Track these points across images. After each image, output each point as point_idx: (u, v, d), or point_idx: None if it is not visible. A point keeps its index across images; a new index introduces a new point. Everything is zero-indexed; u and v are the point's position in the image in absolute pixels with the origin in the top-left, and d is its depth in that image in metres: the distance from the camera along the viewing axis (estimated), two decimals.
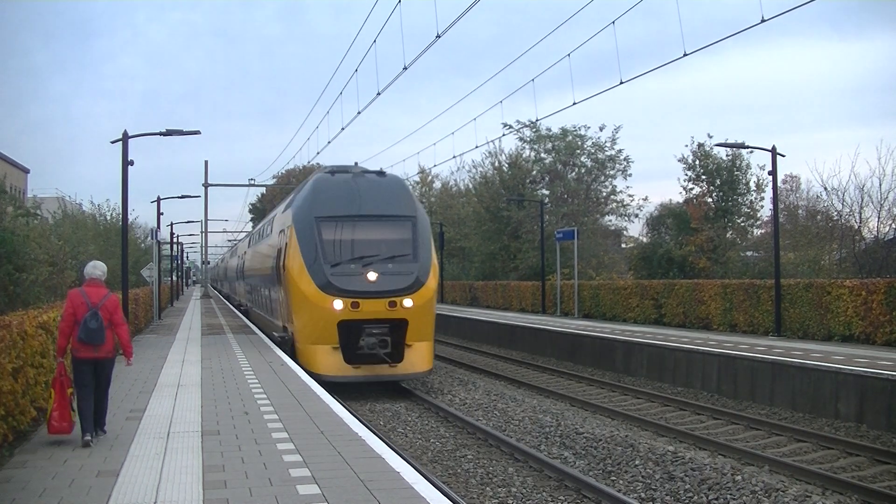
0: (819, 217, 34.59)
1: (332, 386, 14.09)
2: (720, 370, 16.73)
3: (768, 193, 32.31)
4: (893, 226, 29.73)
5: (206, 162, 54.73)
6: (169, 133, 20.77)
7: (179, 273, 63.43)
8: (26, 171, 63.25)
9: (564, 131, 44.29)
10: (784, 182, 43.19)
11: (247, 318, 30.73)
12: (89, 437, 8.32)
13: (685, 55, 17.31)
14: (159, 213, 41.38)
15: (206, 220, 57.60)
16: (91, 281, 8.77)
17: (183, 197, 41.33)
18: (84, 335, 8.37)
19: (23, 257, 15.95)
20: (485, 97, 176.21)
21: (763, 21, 14.81)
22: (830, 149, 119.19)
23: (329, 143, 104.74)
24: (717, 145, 31.35)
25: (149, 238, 41.94)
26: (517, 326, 27.24)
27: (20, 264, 15.76)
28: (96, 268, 8.87)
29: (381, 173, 18.90)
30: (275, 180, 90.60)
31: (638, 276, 36.12)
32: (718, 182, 34.59)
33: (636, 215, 44.09)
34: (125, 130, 19.13)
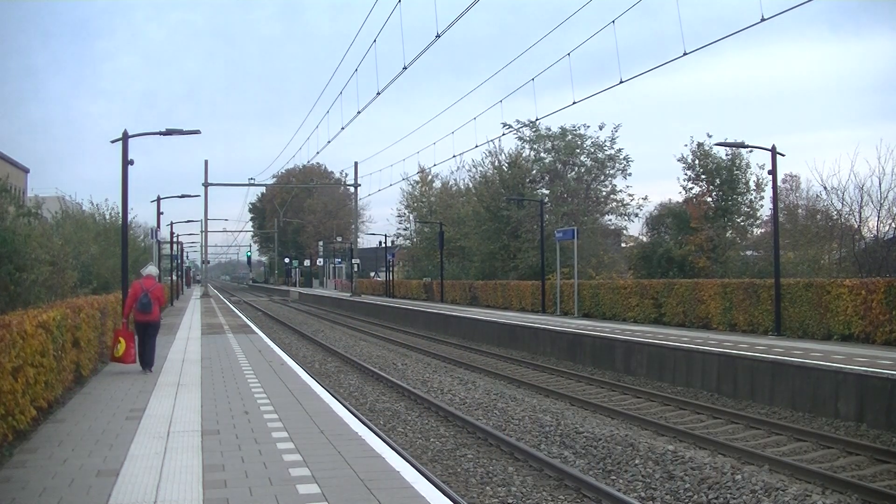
0: (819, 216, 34.60)
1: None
2: (720, 370, 16.73)
3: (768, 193, 32.40)
4: (893, 225, 29.75)
5: (205, 161, 55.01)
6: (169, 133, 20.75)
7: (179, 272, 63.39)
8: (26, 170, 63.27)
9: (564, 131, 44.30)
10: (784, 181, 43.24)
11: None
12: (144, 370, 14.10)
13: (685, 54, 17.37)
14: (159, 213, 41.45)
15: (206, 219, 57.82)
16: (147, 277, 14.37)
17: (183, 196, 41.39)
18: (140, 307, 14.00)
19: (24, 257, 15.91)
20: (484, 96, 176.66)
21: (763, 20, 14.86)
22: (830, 148, 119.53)
23: (329, 142, 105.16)
24: (717, 144, 31.44)
25: (149, 237, 41.98)
26: (517, 326, 27.24)
27: (21, 264, 15.72)
28: (149, 268, 14.93)
29: None
30: (275, 180, 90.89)
31: (638, 276, 36.14)
32: (718, 181, 34.61)
33: (636, 215, 44.17)
34: (125, 130, 19.08)
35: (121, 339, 14.12)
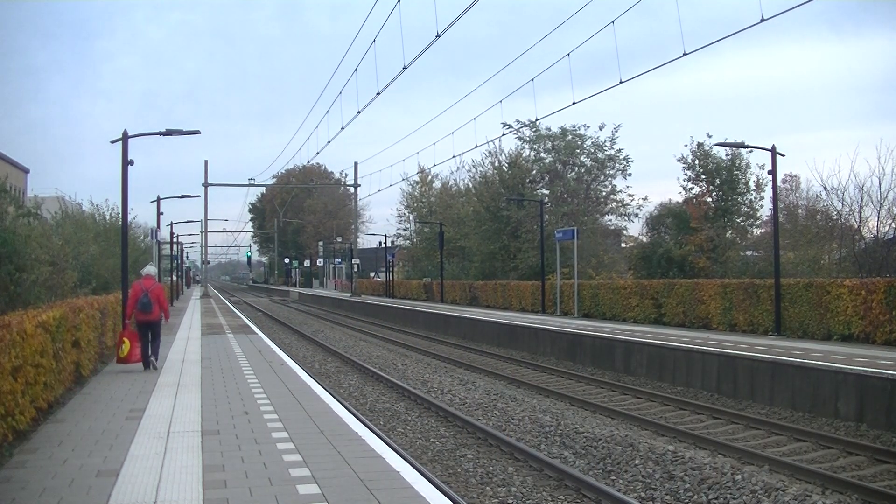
0: (819, 216, 34.59)
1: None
2: (720, 370, 16.73)
3: (768, 193, 32.39)
4: (893, 225, 29.73)
5: (205, 162, 55.01)
6: (169, 133, 20.70)
7: (179, 273, 63.38)
8: (26, 170, 63.26)
9: (564, 131, 44.32)
10: (784, 181, 43.21)
11: None
12: (148, 367, 14.28)
13: (685, 55, 17.37)
14: (159, 213, 41.44)
15: (206, 219, 57.80)
16: (146, 276, 14.56)
17: (183, 197, 41.39)
18: (140, 307, 14.12)
19: (24, 257, 15.92)
20: (484, 97, 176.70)
21: (763, 20, 14.86)
22: (830, 148, 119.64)
23: (329, 142, 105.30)
24: (717, 145, 31.43)
25: (148, 238, 41.98)
26: (517, 326, 27.24)
27: (21, 264, 15.72)
28: (150, 268, 15.12)
29: None
30: (275, 180, 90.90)
31: (638, 276, 36.13)
32: (718, 181, 34.60)
33: (636, 215, 44.17)
34: (125, 130, 19.00)
35: (125, 339, 14.42)
